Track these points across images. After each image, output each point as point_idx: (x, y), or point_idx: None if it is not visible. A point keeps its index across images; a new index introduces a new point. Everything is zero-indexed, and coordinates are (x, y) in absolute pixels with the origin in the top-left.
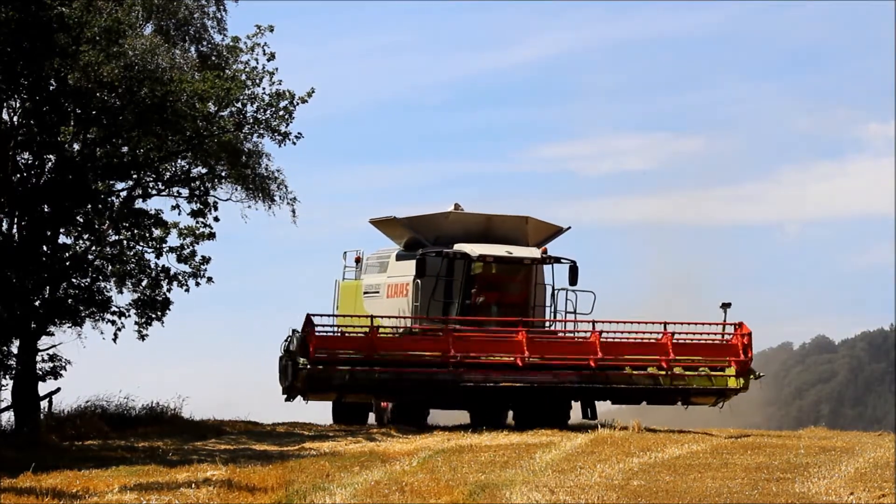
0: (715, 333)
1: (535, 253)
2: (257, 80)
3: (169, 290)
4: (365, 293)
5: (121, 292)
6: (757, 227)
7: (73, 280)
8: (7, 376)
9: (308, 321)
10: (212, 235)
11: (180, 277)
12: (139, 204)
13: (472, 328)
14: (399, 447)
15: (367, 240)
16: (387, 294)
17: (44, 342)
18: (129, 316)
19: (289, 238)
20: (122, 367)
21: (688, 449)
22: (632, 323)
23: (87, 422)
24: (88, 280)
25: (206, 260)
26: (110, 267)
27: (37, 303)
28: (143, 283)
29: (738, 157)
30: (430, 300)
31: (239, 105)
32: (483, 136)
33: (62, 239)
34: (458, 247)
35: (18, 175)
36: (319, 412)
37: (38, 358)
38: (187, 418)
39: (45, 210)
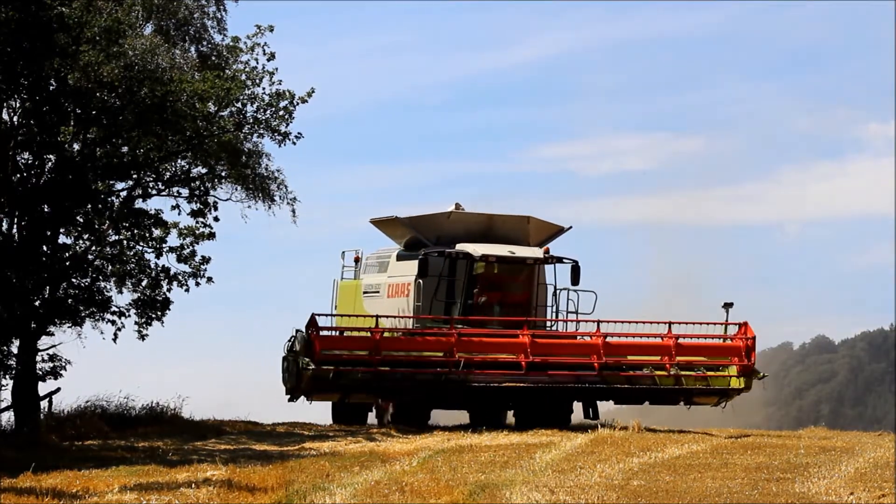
0: (718, 336)
1: (537, 253)
2: (257, 80)
3: (169, 290)
4: (364, 293)
5: (121, 292)
6: (757, 227)
7: (73, 280)
8: (7, 376)
9: (312, 321)
10: (212, 235)
11: (180, 277)
12: (139, 204)
13: (478, 329)
14: (399, 447)
15: (367, 240)
16: (387, 294)
17: (44, 342)
18: (129, 316)
19: (289, 238)
20: (122, 367)
21: (688, 449)
22: (637, 323)
23: (87, 422)
24: (88, 280)
25: (206, 260)
26: (110, 267)
27: (37, 303)
28: (143, 283)
29: (738, 157)
30: (432, 300)
31: (239, 105)
32: (483, 136)
33: (62, 239)
34: (461, 247)
35: (18, 175)
36: (319, 412)
37: (38, 358)
38: (187, 418)
39: (45, 210)
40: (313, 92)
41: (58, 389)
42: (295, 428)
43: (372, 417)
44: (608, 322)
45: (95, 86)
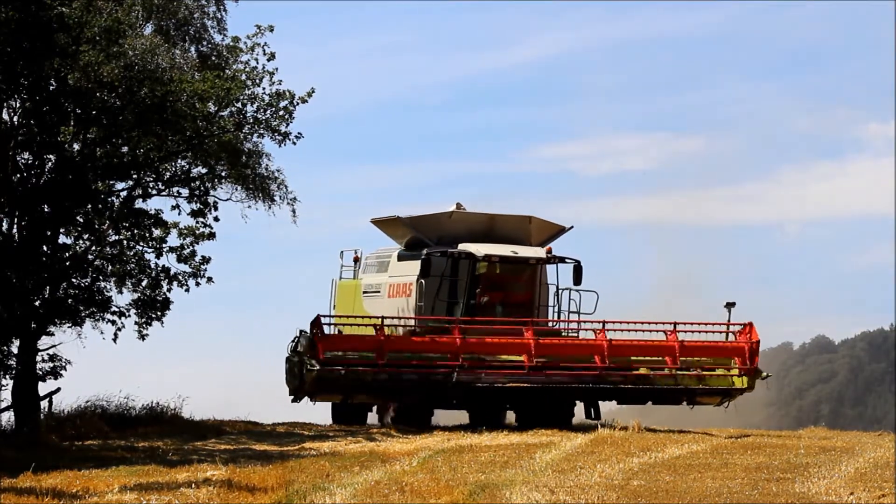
0: (720, 331)
1: (540, 253)
2: (257, 80)
3: (169, 290)
4: (364, 293)
5: (121, 292)
6: (757, 227)
7: (73, 280)
8: (7, 376)
9: (317, 322)
10: (212, 235)
11: (180, 277)
12: (139, 204)
13: (483, 326)
14: (399, 447)
15: (367, 239)
16: (388, 294)
17: (44, 342)
18: (129, 316)
19: (289, 238)
20: (122, 367)
21: (688, 449)
22: (640, 323)
23: (87, 422)
24: (88, 280)
25: (206, 260)
26: (110, 267)
27: (37, 303)
28: (143, 283)
29: (738, 157)
30: (434, 300)
31: (239, 105)
32: (483, 136)
33: (62, 239)
34: (463, 246)
35: (18, 175)
36: (319, 412)
37: (38, 358)
38: (187, 418)
39: (45, 210)
40: (313, 92)
41: (58, 389)
42: (295, 428)
43: (372, 417)
44: (612, 322)
45: (95, 86)
